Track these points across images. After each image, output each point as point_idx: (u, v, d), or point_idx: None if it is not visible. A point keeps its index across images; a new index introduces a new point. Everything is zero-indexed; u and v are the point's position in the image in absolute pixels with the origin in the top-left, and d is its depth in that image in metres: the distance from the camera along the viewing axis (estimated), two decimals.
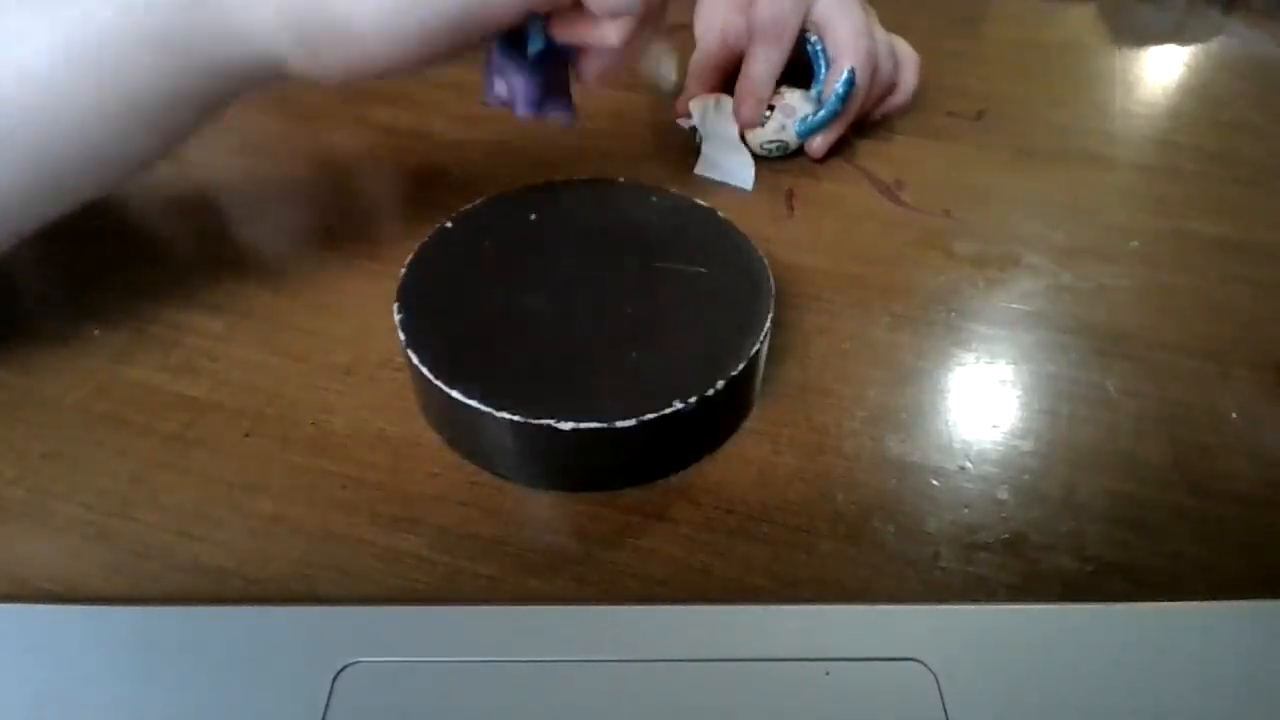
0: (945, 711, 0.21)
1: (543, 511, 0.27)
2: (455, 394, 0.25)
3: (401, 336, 0.27)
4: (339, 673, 0.21)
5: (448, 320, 0.28)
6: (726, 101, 0.42)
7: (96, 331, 0.32)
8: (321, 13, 0.24)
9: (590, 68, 0.29)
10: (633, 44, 0.27)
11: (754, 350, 0.27)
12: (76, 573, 0.25)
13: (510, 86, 0.29)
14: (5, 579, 0.24)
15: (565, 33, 0.28)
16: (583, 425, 0.25)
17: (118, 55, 0.23)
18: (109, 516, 0.26)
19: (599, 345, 0.28)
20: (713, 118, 0.42)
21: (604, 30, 0.27)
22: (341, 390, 0.30)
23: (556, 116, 0.31)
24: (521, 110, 0.30)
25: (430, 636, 0.22)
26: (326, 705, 0.21)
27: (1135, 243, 0.39)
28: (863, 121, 0.45)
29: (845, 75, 0.40)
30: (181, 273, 0.34)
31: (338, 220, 0.36)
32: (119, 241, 0.37)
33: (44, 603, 0.23)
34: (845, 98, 0.41)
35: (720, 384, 0.26)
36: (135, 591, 0.24)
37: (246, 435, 0.29)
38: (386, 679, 0.21)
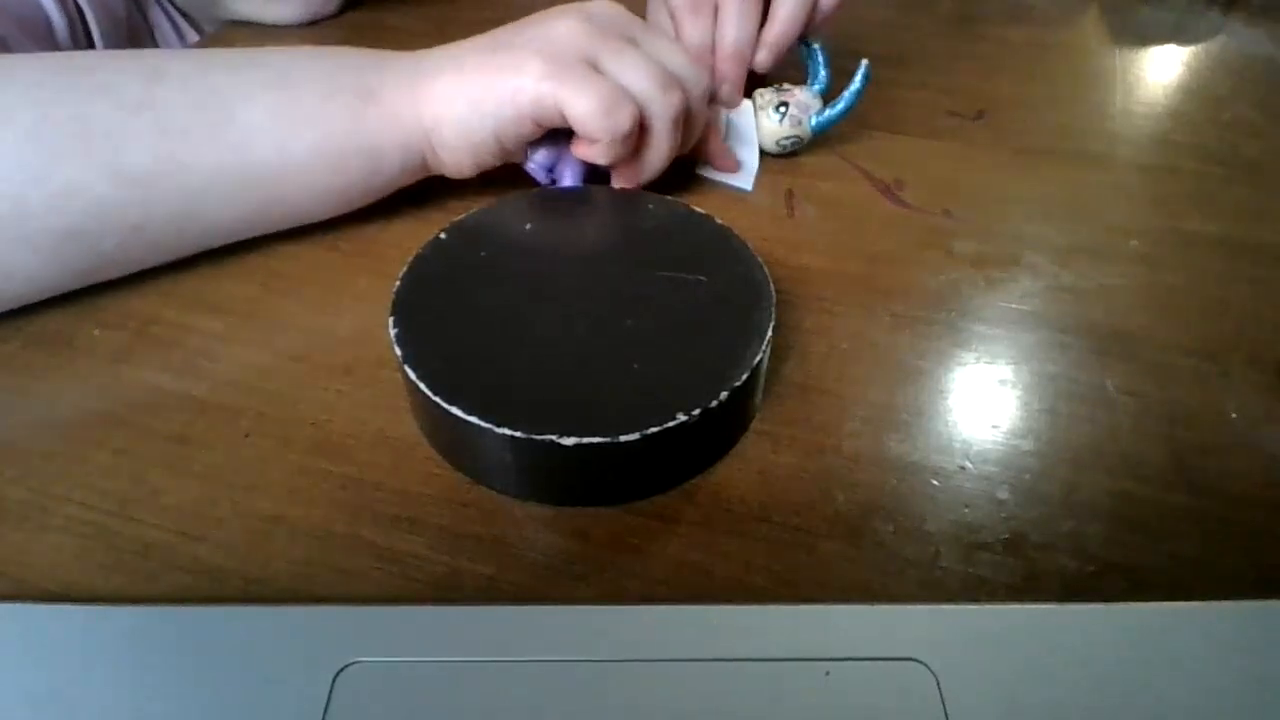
0: (945, 711, 0.21)
1: (543, 512, 0.27)
2: (454, 410, 0.25)
3: (397, 351, 0.27)
4: (339, 673, 0.21)
5: (444, 334, 0.28)
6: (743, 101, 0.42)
7: (96, 331, 0.32)
8: (432, 144, 0.35)
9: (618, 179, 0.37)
10: (634, 166, 0.35)
11: (757, 359, 0.27)
12: (76, 573, 0.25)
13: (554, 165, 0.37)
14: (5, 579, 0.24)
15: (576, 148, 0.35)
16: (585, 440, 0.24)
17: (342, 154, 0.33)
18: (109, 516, 0.26)
19: (599, 357, 0.27)
20: (726, 117, 0.42)
21: (592, 150, 0.34)
22: (341, 390, 0.30)
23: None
24: (545, 179, 0.37)
25: (430, 636, 0.22)
26: (326, 705, 0.21)
27: (1135, 242, 0.39)
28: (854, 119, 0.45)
29: (863, 70, 0.40)
30: (181, 273, 0.34)
31: (338, 221, 0.36)
32: None
33: (44, 603, 0.23)
34: (861, 93, 0.41)
35: (724, 394, 0.26)
36: (135, 591, 0.24)
37: (246, 435, 0.29)
38: (386, 679, 0.21)
